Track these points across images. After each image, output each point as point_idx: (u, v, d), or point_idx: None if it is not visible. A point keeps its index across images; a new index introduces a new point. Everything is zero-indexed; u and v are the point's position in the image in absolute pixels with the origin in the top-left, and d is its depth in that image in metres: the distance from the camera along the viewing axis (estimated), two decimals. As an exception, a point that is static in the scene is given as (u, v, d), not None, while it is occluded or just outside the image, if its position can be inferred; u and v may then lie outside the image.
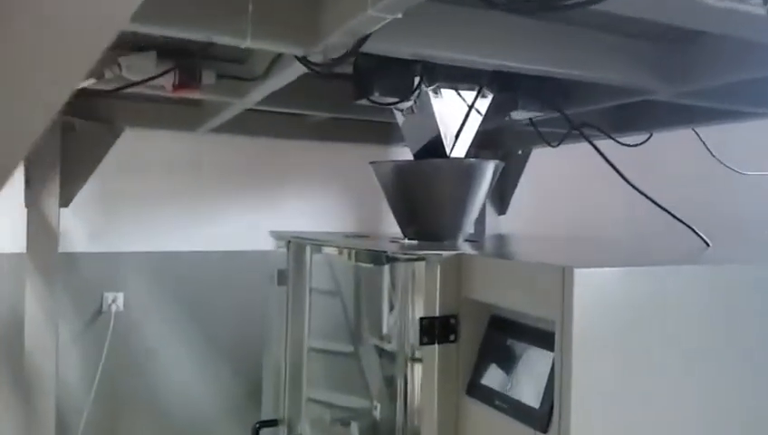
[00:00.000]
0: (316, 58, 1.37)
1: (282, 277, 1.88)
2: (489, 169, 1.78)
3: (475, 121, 1.88)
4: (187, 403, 2.88)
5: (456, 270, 1.29)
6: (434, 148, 1.84)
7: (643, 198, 1.72)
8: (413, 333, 1.29)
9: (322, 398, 1.82)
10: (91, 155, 2.72)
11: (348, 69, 1.67)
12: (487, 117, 1.91)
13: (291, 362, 1.79)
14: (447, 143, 1.82)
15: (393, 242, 1.70)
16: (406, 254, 1.32)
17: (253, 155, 3.10)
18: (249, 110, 2.80)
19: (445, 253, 1.30)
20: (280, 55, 1.59)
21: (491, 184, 1.82)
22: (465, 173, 1.77)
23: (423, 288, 1.29)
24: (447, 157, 1.81)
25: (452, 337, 1.29)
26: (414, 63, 1.66)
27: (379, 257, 1.42)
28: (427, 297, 1.28)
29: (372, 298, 1.53)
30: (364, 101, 1.71)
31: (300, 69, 1.48)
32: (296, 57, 1.41)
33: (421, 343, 1.26)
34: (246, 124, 2.86)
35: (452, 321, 1.29)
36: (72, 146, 2.64)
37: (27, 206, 2.49)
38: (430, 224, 1.77)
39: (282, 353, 1.85)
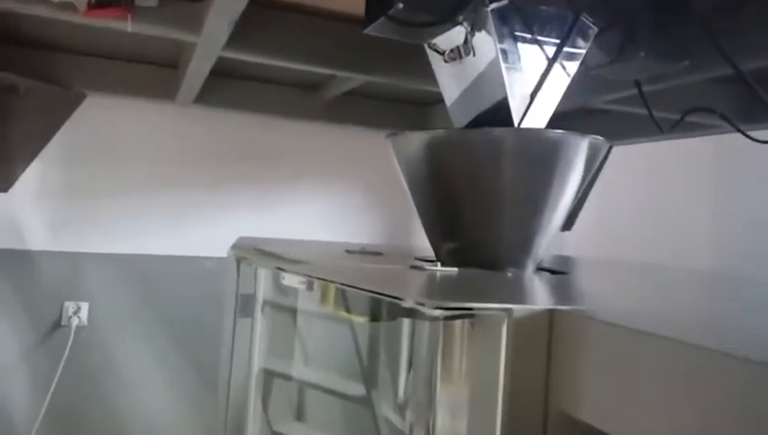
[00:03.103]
0: None
1: (245, 305, 1.18)
2: (582, 149, 1.04)
3: (563, 76, 1.14)
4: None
5: (542, 347, 0.57)
6: (493, 114, 1.11)
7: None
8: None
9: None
10: (41, 127, 2.16)
11: None
12: (584, 73, 1.17)
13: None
14: (516, 107, 1.09)
15: (416, 268, 0.96)
16: (431, 305, 0.58)
17: (255, 138, 2.55)
18: (252, 79, 2.22)
19: (518, 307, 0.57)
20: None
21: (587, 175, 1.08)
22: (545, 152, 1.03)
23: (466, 383, 0.57)
24: (515, 127, 1.08)
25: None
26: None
27: (378, 307, 0.67)
28: (473, 406, 0.56)
29: (372, 370, 0.79)
30: (380, 26, 1.00)
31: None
32: None
33: None
34: (247, 97, 2.35)
35: (529, 463, 0.57)
36: (13, 114, 2.08)
37: (-58, 186, 1.95)
38: (481, 239, 1.04)
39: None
